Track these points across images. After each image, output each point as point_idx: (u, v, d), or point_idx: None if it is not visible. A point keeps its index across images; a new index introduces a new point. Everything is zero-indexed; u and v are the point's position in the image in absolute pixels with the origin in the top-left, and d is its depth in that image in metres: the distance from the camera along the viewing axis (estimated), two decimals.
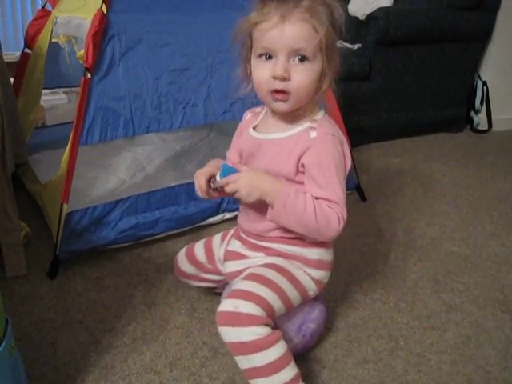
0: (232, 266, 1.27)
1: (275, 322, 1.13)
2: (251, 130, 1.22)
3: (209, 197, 1.21)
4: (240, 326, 1.04)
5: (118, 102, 1.69)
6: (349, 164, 1.16)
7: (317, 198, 1.09)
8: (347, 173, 1.16)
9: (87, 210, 1.68)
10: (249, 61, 1.13)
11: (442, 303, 1.57)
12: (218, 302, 1.48)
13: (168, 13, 1.84)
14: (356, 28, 3.43)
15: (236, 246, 1.29)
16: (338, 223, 1.09)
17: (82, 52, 1.65)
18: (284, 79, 1.05)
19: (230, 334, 1.05)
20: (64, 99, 3.75)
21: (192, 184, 1.84)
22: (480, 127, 3.61)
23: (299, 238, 1.18)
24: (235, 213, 1.88)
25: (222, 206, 1.93)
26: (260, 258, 1.23)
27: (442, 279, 1.70)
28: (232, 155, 1.31)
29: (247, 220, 1.25)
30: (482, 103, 3.59)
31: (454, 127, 3.55)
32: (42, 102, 2.51)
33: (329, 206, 1.09)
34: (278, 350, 1.06)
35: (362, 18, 3.44)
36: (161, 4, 1.86)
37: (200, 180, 1.20)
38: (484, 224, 2.13)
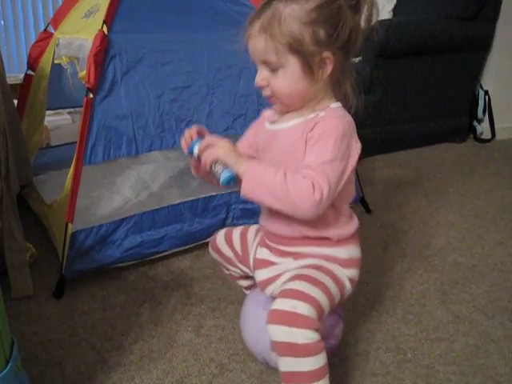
0: (263, 275, 1.24)
1: None
2: (267, 123, 1.22)
3: (185, 147, 1.19)
4: (297, 328, 1.03)
5: (120, 121, 1.70)
6: (356, 155, 1.11)
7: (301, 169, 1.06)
8: (354, 160, 1.10)
9: (92, 229, 1.68)
10: None
11: (449, 314, 1.56)
12: (225, 319, 1.50)
13: (168, 31, 1.86)
14: None
15: (264, 254, 1.26)
16: (312, 192, 1.00)
17: (84, 72, 1.67)
18: (262, 87, 1.11)
19: (285, 334, 1.03)
20: (68, 119, 3.78)
21: (196, 201, 1.87)
22: (483, 136, 3.61)
23: (326, 238, 1.16)
24: None
25: (227, 223, 1.93)
26: (290, 263, 1.20)
27: (448, 290, 1.69)
28: (241, 147, 1.28)
29: (271, 225, 1.22)
30: (484, 112, 3.60)
31: (457, 137, 3.55)
32: (46, 123, 2.53)
33: (304, 176, 1.02)
34: (323, 358, 1.06)
35: None
36: (161, 23, 1.88)
37: (188, 131, 1.20)
38: (490, 233, 2.12)
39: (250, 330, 1.29)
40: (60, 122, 3.63)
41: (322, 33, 1.05)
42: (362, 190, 2.29)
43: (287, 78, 1.08)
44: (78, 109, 3.07)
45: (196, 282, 1.72)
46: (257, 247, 1.31)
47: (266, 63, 1.09)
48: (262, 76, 1.10)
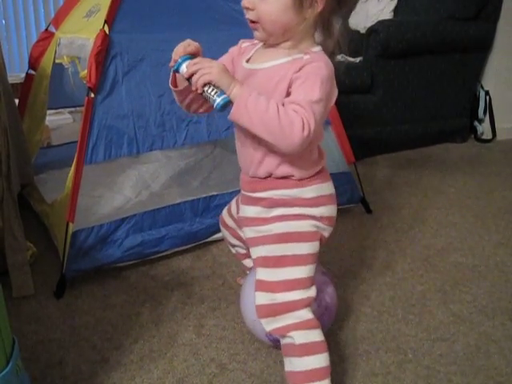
0: (248, 232, 1.24)
1: None
2: (244, 62, 1.20)
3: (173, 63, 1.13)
4: (280, 315, 1.13)
5: (121, 121, 1.70)
6: (333, 98, 1.12)
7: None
8: (332, 102, 1.12)
9: (93, 229, 1.69)
10: None
11: (450, 314, 1.56)
12: (225, 319, 1.50)
13: (170, 31, 1.85)
14: (357, 41, 3.45)
15: (244, 210, 1.26)
16: (301, 128, 1.01)
17: (86, 72, 1.67)
18: (248, 9, 1.09)
19: (270, 323, 1.14)
20: (69, 119, 3.77)
21: (197, 200, 1.87)
22: (484, 136, 3.60)
23: (289, 177, 1.16)
24: None
25: None
26: (266, 227, 1.20)
27: (449, 290, 1.69)
28: None
29: (243, 165, 1.24)
30: (485, 113, 3.59)
31: (458, 137, 3.54)
32: (47, 122, 2.53)
33: (295, 111, 1.02)
34: (319, 335, 1.13)
35: (362, 31, 3.46)
36: (162, 23, 1.88)
37: (181, 46, 1.12)
38: (491, 233, 2.12)
39: (247, 312, 1.32)
40: (61, 122, 3.62)
41: None
42: (362, 190, 2.29)
43: (277, 5, 1.07)
44: (78, 108, 3.07)
45: (196, 281, 1.72)
46: (241, 206, 1.30)
47: None
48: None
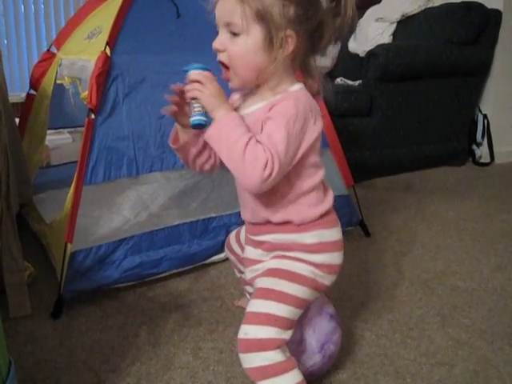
0: (247, 273, 1.26)
1: (301, 334, 1.19)
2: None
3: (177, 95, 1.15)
4: (249, 352, 1.07)
5: (121, 142, 1.71)
6: (315, 132, 1.10)
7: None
8: (309, 141, 1.09)
9: (91, 250, 1.68)
10: None
11: (448, 338, 1.55)
12: (223, 342, 1.50)
13: (170, 53, 1.88)
14: (356, 65, 3.49)
15: (247, 251, 1.28)
16: (263, 167, 1.00)
17: (86, 93, 1.68)
18: (218, 51, 1.09)
19: (244, 360, 1.09)
20: (69, 139, 3.78)
21: (195, 222, 1.87)
22: (482, 160, 3.62)
23: (288, 222, 1.16)
24: None
25: None
26: (262, 264, 1.21)
27: (448, 314, 1.68)
28: None
29: (243, 212, 1.25)
30: (483, 136, 3.62)
31: (456, 161, 3.56)
32: (46, 142, 2.54)
33: (263, 149, 1.01)
34: (291, 379, 1.08)
35: (362, 54, 3.50)
36: (163, 45, 1.90)
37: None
38: (489, 257, 2.12)
39: None
40: (60, 142, 3.63)
41: (291, 10, 1.05)
42: (361, 213, 2.29)
43: (247, 46, 1.06)
44: (78, 128, 3.09)
45: (194, 303, 1.71)
46: (245, 246, 1.31)
47: (228, 26, 1.06)
48: (221, 40, 1.08)
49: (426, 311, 1.70)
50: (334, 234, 1.19)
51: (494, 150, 3.62)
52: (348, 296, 1.77)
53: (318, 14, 1.07)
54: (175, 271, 1.85)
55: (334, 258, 1.18)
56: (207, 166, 1.26)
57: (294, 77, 1.14)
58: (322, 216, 1.17)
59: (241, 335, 1.09)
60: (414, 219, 2.53)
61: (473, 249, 2.20)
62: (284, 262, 1.16)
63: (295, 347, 1.22)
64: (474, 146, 3.63)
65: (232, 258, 1.52)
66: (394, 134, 3.22)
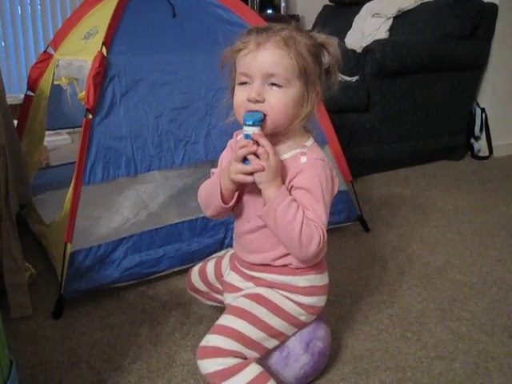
0: (229, 299, 1.29)
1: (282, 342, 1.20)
2: None
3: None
4: (206, 358, 1.10)
5: (119, 142, 1.71)
6: (335, 190, 1.19)
7: None
8: (333, 197, 1.19)
9: (91, 249, 1.69)
10: (234, 90, 1.18)
11: (448, 332, 1.56)
12: None
13: (167, 52, 1.88)
14: (353, 60, 3.48)
15: (232, 278, 1.31)
16: (318, 243, 1.10)
17: (84, 93, 1.69)
18: (257, 102, 1.09)
19: (201, 366, 1.11)
20: (67, 139, 3.79)
21: (195, 220, 1.87)
22: (481, 154, 3.62)
23: (286, 265, 1.21)
24: None
25: (226, 242, 1.93)
26: (250, 290, 1.25)
27: (448, 308, 1.69)
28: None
29: (241, 253, 1.28)
30: (481, 130, 3.61)
31: (454, 155, 3.56)
32: (45, 143, 2.54)
33: (315, 226, 1.10)
34: (250, 373, 1.10)
35: (358, 50, 3.50)
36: (160, 44, 1.90)
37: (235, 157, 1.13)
38: (488, 250, 2.12)
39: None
40: (59, 142, 3.64)
41: (318, 69, 1.13)
42: (360, 209, 2.29)
43: (288, 98, 1.11)
44: (77, 129, 3.09)
45: (195, 301, 1.71)
46: (228, 271, 1.35)
47: (270, 77, 1.09)
48: (259, 90, 1.09)
49: (426, 305, 1.70)
50: (323, 278, 1.27)
51: (493, 143, 3.62)
52: (348, 291, 1.78)
53: (323, 70, 1.17)
54: (175, 269, 1.85)
55: (321, 300, 1.26)
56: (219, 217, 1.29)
57: (305, 130, 1.21)
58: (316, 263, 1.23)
59: (202, 343, 1.13)
60: (413, 214, 2.53)
61: (472, 242, 2.20)
62: (274, 295, 1.21)
63: (278, 354, 1.24)
64: (473, 140, 3.63)
65: (198, 297, 1.53)
66: (391, 129, 3.22)
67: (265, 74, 1.09)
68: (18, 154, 2.05)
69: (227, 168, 1.15)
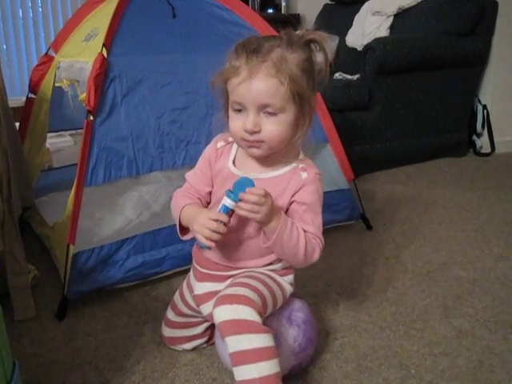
0: (208, 307, 1.25)
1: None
2: (231, 166, 1.23)
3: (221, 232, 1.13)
4: (233, 304, 1.09)
5: (120, 143, 1.72)
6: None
7: (304, 231, 1.17)
8: None
9: (94, 250, 1.69)
10: (227, 108, 1.17)
11: (452, 329, 1.55)
12: None
13: (167, 53, 1.88)
14: (354, 59, 3.48)
15: (204, 287, 1.30)
16: (318, 253, 1.19)
17: (85, 95, 1.69)
18: (254, 133, 1.10)
19: (220, 313, 1.09)
20: (70, 141, 3.79)
21: None
22: (483, 150, 3.62)
23: (274, 271, 1.28)
24: None
25: None
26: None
27: (451, 304, 1.69)
28: (202, 186, 1.28)
29: (223, 258, 1.27)
30: (483, 126, 3.62)
31: (457, 152, 3.56)
32: (48, 145, 2.55)
33: (314, 238, 1.18)
34: (268, 339, 1.09)
35: (359, 48, 3.50)
36: (160, 45, 1.90)
37: (210, 215, 1.12)
38: (491, 247, 2.12)
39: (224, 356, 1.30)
40: (62, 144, 3.64)
41: (311, 82, 1.12)
42: (362, 207, 2.29)
43: (285, 124, 1.11)
44: (79, 130, 3.09)
45: None
46: (196, 284, 1.33)
47: (265, 107, 1.08)
48: (256, 121, 1.09)
49: (429, 302, 1.70)
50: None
51: (495, 140, 3.62)
52: (350, 289, 1.78)
53: (316, 77, 1.16)
54: (178, 270, 1.85)
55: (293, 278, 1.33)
56: None
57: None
58: None
59: (228, 292, 1.14)
60: (415, 211, 2.53)
61: (475, 239, 2.20)
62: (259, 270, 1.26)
63: None
64: (475, 137, 3.63)
65: (180, 347, 1.46)
66: (393, 126, 3.22)
67: (259, 104, 1.08)
68: (20, 157, 2.05)
69: (197, 215, 1.15)
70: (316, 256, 1.18)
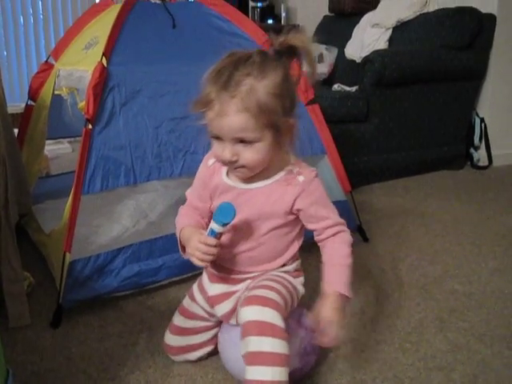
0: (224, 308, 1.30)
1: None
2: (225, 178, 1.25)
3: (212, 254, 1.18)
4: (262, 306, 1.13)
5: (118, 152, 1.72)
6: None
7: (327, 228, 1.25)
8: None
9: (90, 259, 1.69)
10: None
11: (447, 342, 1.55)
12: None
13: (166, 63, 1.89)
14: (353, 71, 3.50)
15: (220, 288, 1.32)
16: (348, 236, 1.33)
17: (84, 103, 1.70)
18: (232, 162, 1.12)
19: (246, 313, 1.13)
20: (68, 148, 3.80)
21: None
22: (480, 163, 3.63)
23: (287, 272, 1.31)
24: None
25: None
26: (247, 283, 1.28)
27: (446, 318, 1.69)
28: (201, 204, 1.32)
29: (236, 264, 1.29)
30: (481, 139, 3.63)
31: (454, 164, 3.57)
32: (46, 152, 2.55)
33: (343, 231, 1.30)
34: (287, 347, 1.13)
35: (358, 60, 3.52)
36: (159, 55, 1.91)
37: (201, 238, 1.17)
38: (487, 260, 2.12)
39: (229, 357, 1.32)
40: (60, 151, 3.65)
41: (287, 102, 1.12)
42: (359, 219, 2.30)
43: (264, 150, 1.12)
44: (78, 138, 3.09)
45: None
46: (209, 284, 1.35)
47: (239, 139, 1.10)
48: (234, 152, 1.11)
49: (425, 315, 1.70)
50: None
51: (492, 153, 3.63)
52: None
53: (296, 93, 1.19)
54: (174, 279, 1.85)
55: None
56: None
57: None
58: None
59: (257, 293, 1.17)
60: (412, 224, 2.54)
61: (471, 252, 2.21)
62: (277, 276, 1.28)
63: None
64: (472, 150, 3.64)
65: (182, 356, 1.44)
66: (391, 138, 3.23)
67: (234, 138, 1.09)
68: (18, 163, 2.05)
69: (190, 237, 1.21)
70: (350, 238, 1.32)
